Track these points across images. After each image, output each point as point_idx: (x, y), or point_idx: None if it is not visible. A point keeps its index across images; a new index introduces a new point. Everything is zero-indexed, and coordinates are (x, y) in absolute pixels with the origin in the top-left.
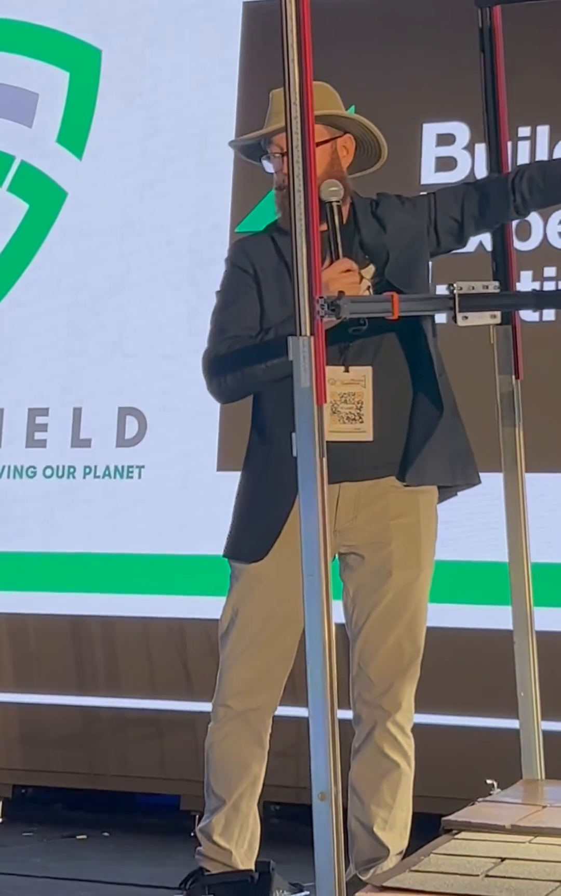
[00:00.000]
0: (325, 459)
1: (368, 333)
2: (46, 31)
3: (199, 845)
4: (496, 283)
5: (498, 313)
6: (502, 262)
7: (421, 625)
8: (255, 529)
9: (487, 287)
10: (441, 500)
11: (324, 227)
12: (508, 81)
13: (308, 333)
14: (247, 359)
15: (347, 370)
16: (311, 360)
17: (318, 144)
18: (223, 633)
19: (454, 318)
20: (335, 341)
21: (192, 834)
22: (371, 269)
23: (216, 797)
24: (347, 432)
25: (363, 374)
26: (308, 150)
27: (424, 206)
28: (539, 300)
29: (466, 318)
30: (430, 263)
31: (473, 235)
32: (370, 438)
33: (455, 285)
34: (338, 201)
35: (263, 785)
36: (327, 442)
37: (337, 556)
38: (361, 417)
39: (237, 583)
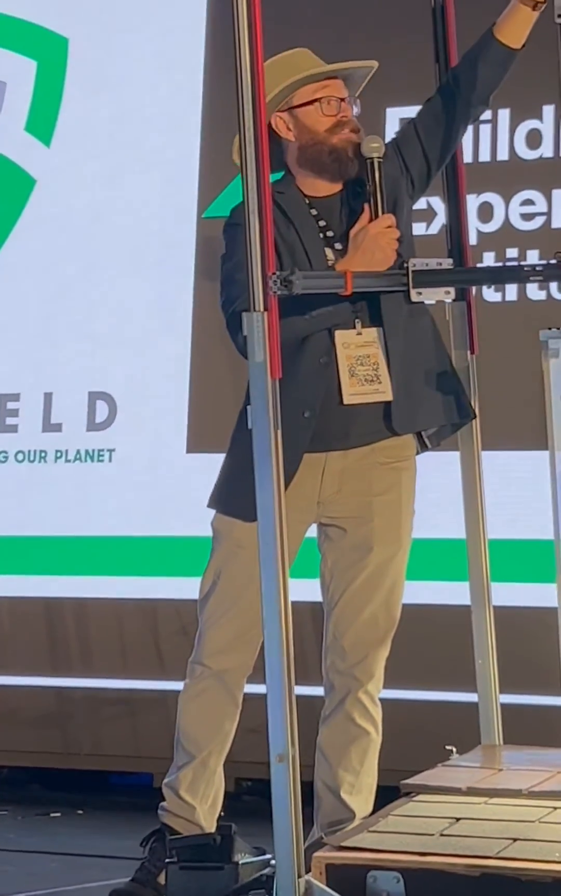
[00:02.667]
0: (279, 432)
1: (370, 296)
2: (13, 21)
3: (163, 800)
4: (450, 261)
5: (452, 289)
6: (457, 241)
7: (397, 599)
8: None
9: (440, 264)
10: (434, 445)
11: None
12: None
13: (262, 309)
14: (284, 311)
15: (359, 333)
16: (264, 335)
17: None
18: (204, 596)
19: (408, 293)
20: (347, 308)
21: None
22: None
23: (185, 752)
24: (368, 394)
25: (374, 336)
26: (260, 131)
27: (393, 152)
28: (491, 275)
29: (420, 293)
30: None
31: (438, 152)
32: (390, 398)
33: (409, 262)
34: (379, 157)
35: (235, 762)
36: (314, 410)
37: (316, 525)
38: (378, 378)
39: (220, 546)
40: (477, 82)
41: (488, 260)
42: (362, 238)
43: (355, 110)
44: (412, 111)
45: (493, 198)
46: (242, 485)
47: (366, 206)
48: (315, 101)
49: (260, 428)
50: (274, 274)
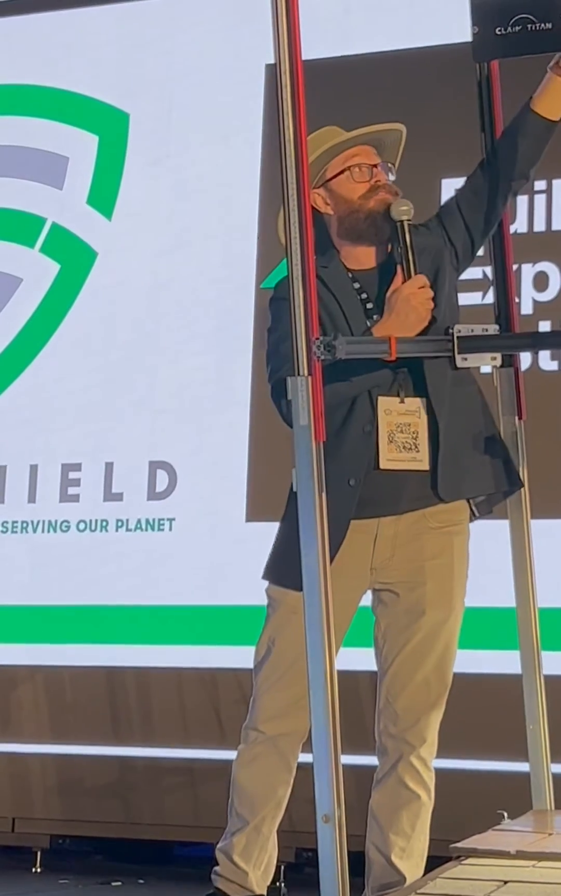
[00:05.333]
0: (324, 495)
1: (413, 365)
2: (76, 97)
3: (217, 864)
4: (496, 327)
5: (498, 355)
6: (504, 308)
7: (450, 663)
8: None
9: (486, 330)
10: (483, 513)
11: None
12: None
13: (306, 373)
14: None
15: (402, 401)
16: (308, 399)
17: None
18: (259, 662)
19: (453, 359)
20: (388, 374)
21: None
22: None
23: (239, 818)
24: (404, 461)
25: (417, 405)
26: (303, 201)
27: (436, 225)
28: (535, 341)
29: (466, 359)
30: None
31: (480, 225)
32: (426, 467)
33: (454, 328)
34: (409, 220)
35: (295, 831)
36: (369, 475)
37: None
38: (416, 447)
39: (274, 613)
40: (516, 155)
41: (545, 329)
42: (395, 300)
43: (390, 177)
44: None
45: (548, 267)
46: (291, 554)
47: (399, 268)
48: (346, 170)
49: (304, 490)
50: (318, 339)
